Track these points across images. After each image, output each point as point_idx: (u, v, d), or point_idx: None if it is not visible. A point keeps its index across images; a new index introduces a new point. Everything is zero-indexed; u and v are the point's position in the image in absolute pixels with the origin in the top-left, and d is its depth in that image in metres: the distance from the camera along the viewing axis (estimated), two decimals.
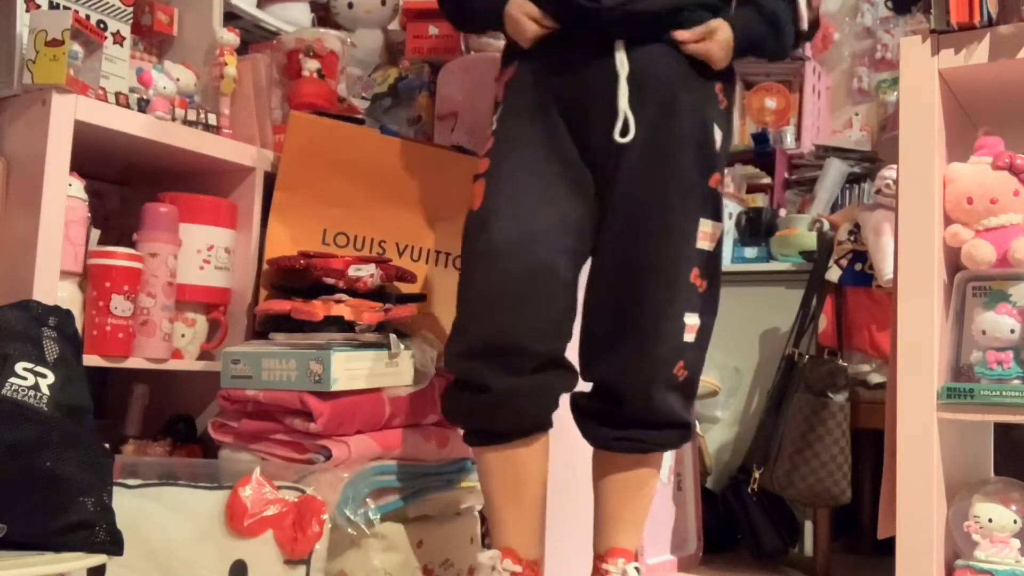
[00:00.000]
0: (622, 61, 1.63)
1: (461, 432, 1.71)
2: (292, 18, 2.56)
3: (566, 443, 1.76)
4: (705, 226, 1.66)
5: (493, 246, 1.59)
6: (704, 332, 1.68)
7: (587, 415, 1.71)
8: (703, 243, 1.66)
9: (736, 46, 1.67)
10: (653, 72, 1.64)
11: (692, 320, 1.65)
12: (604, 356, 1.67)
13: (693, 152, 1.65)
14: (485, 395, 1.58)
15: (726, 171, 3.28)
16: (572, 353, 1.69)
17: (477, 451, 1.67)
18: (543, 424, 1.66)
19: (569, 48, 1.66)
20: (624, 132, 1.62)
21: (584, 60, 1.65)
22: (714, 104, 1.70)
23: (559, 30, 1.66)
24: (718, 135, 1.69)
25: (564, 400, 1.69)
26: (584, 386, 1.72)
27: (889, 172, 2.42)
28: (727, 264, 3.08)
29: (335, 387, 1.70)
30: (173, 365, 1.90)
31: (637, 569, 1.69)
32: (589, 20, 1.63)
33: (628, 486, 1.72)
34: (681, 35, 1.65)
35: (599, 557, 1.73)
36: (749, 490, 2.54)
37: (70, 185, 1.71)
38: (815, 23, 1.79)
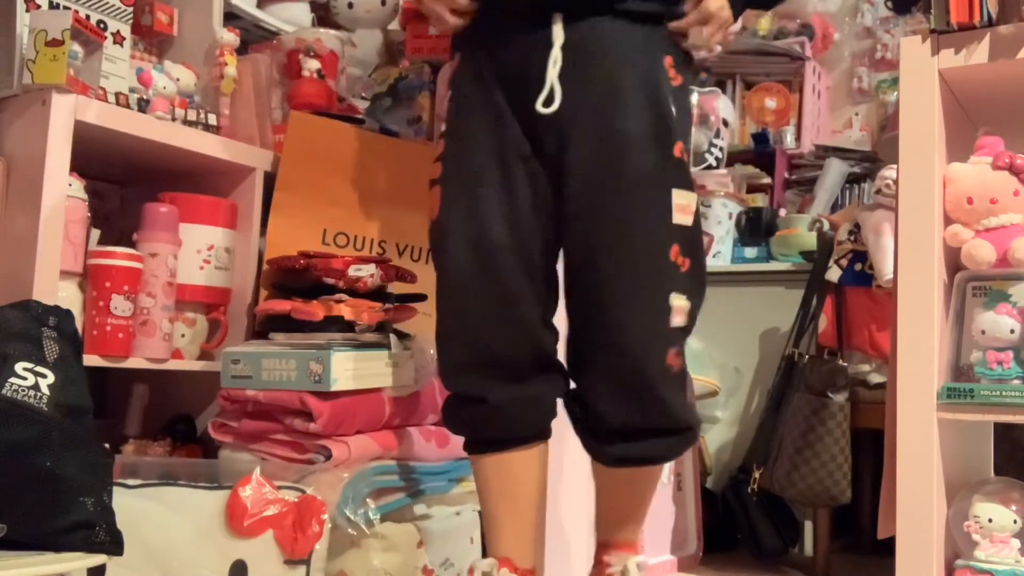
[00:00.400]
0: (557, 33, 1.54)
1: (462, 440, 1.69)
2: (292, 18, 2.56)
3: (563, 447, 1.75)
4: (679, 197, 1.53)
5: (458, 265, 1.56)
6: (693, 315, 1.56)
7: (587, 433, 1.62)
8: (680, 217, 1.53)
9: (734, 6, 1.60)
10: (595, 47, 1.55)
11: (680, 301, 1.52)
12: (589, 362, 1.57)
13: (649, 123, 1.54)
14: (482, 406, 1.57)
15: (726, 171, 3.30)
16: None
17: (474, 459, 1.65)
18: (542, 432, 1.64)
19: (506, 30, 1.58)
20: (548, 102, 1.53)
21: (522, 39, 1.57)
22: (665, 78, 1.58)
23: (494, 9, 1.59)
24: (672, 106, 1.57)
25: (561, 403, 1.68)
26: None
27: (889, 172, 2.42)
28: (727, 264, 3.08)
29: (335, 387, 1.70)
30: (173, 365, 1.90)
31: (639, 565, 1.66)
32: None
33: (629, 483, 1.67)
34: (675, 27, 1.59)
35: (601, 548, 1.70)
36: (749, 490, 2.54)
37: (70, 185, 1.71)
38: None
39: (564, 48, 1.54)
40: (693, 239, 1.56)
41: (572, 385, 1.64)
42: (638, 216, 1.52)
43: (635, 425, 1.54)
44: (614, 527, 1.69)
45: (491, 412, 1.57)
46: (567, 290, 1.61)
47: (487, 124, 1.59)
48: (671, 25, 1.60)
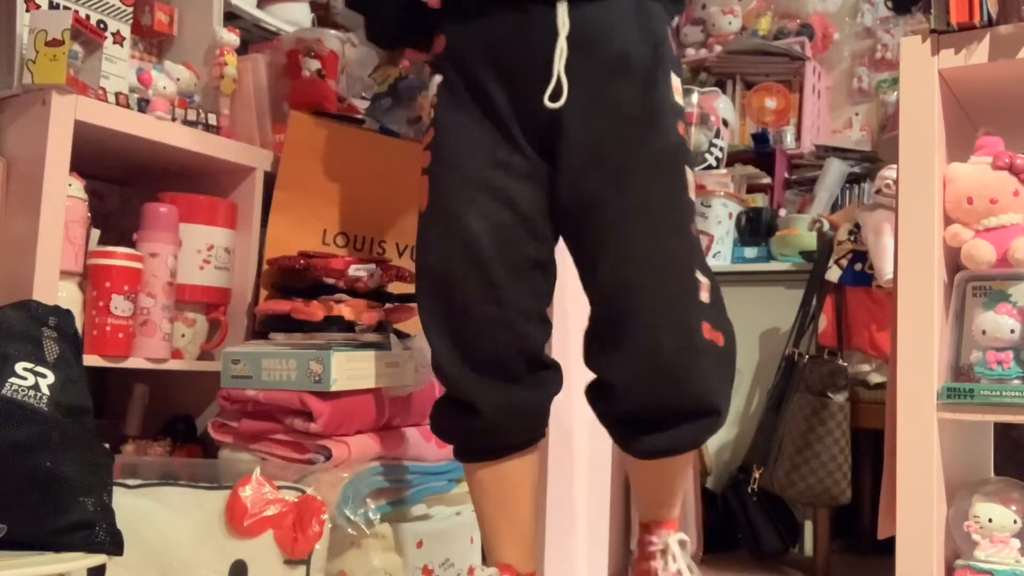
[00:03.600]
0: (563, 20, 1.48)
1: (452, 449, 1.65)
2: (292, 18, 2.56)
3: (567, 447, 1.76)
4: (691, 175, 1.53)
5: (439, 256, 1.51)
6: (716, 291, 1.52)
7: (616, 424, 1.57)
8: (693, 194, 1.53)
9: None
10: (601, 30, 1.50)
11: (704, 279, 1.49)
12: (616, 346, 1.49)
13: (659, 105, 1.51)
14: (472, 418, 1.53)
15: (726, 171, 3.30)
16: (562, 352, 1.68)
17: (468, 467, 1.62)
18: (535, 437, 1.61)
19: (500, 7, 1.51)
20: (555, 97, 1.47)
21: (518, 19, 1.49)
22: (669, 53, 1.55)
23: None
24: (676, 82, 1.55)
25: (565, 404, 1.67)
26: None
27: (889, 172, 2.42)
28: (727, 264, 3.08)
29: (335, 387, 1.70)
30: (173, 365, 1.90)
31: (680, 542, 1.65)
32: None
33: (660, 468, 1.62)
34: None
35: (643, 528, 1.68)
36: (749, 490, 2.54)
37: (70, 185, 1.71)
38: None
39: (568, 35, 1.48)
40: (694, 218, 1.55)
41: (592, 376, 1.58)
42: (659, 194, 1.49)
43: (667, 408, 1.48)
44: (653, 508, 1.67)
45: (481, 424, 1.53)
46: (585, 276, 1.55)
47: (478, 111, 1.53)
48: None
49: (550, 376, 1.60)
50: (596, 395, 1.59)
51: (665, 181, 1.50)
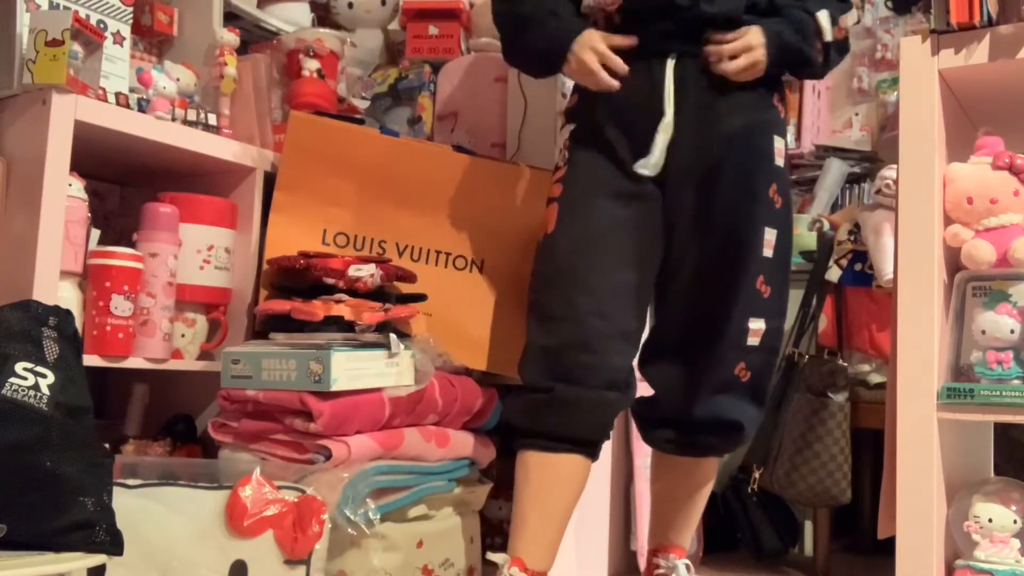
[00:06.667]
0: (669, 83, 1.67)
1: (517, 438, 1.73)
2: (292, 18, 2.55)
3: None
4: (769, 235, 1.71)
5: (568, 265, 1.67)
6: (770, 336, 1.72)
7: (645, 418, 1.80)
8: (767, 251, 1.71)
9: (769, 51, 1.66)
10: (704, 88, 1.68)
11: (757, 324, 1.70)
12: (666, 360, 1.74)
13: (755, 166, 1.70)
14: (548, 395, 1.64)
15: None
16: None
17: (523, 454, 1.69)
18: (596, 441, 1.70)
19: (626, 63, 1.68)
20: (649, 164, 1.68)
21: (636, 78, 1.68)
22: (773, 114, 1.74)
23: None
24: (779, 144, 1.73)
25: None
26: (644, 390, 1.79)
27: (889, 172, 2.42)
28: None
29: (335, 387, 1.70)
30: (173, 365, 1.90)
31: (687, 567, 1.80)
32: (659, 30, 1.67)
33: (684, 488, 1.81)
34: (714, 47, 1.66)
35: (653, 552, 1.84)
36: (749, 490, 2.54)
37: (70, 185, 1.71)
38: (843, 44, 1.77)
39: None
40: (776, 269, 1.75)
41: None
42: (734, 252, 1.70)
43: (694, 418, 1.73)
44: (667, 532, 1.84)
45: (556, 402, 1.64)
46: (659, 302, 1.78)
47: (603, 160, 1.71)
48: (709, 46, 1.66)
49: (626, 394, 1.72)
50: (638, 402, 1.80)
51: (738, 246, 1.71)
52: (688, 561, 1.80)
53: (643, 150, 1.68)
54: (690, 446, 1.77)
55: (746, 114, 1.70)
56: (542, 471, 1.66)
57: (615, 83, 1.66)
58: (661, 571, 1.79)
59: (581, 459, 1.68)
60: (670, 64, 1.67)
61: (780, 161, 1.74)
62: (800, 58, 1.71)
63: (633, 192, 1.70)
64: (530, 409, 1.68)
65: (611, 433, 1.74)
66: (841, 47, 1.77)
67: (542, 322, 1.69)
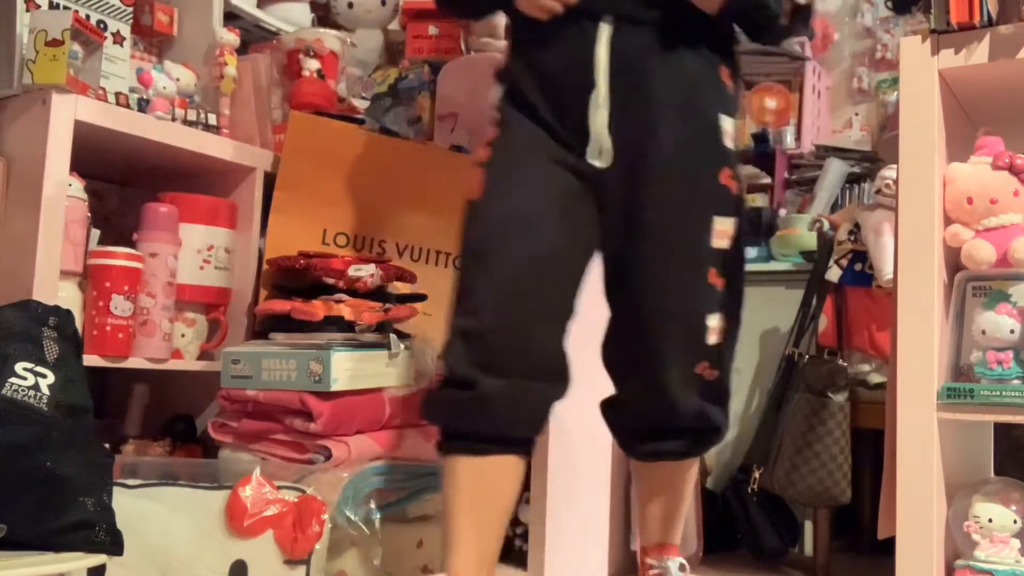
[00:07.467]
0: (603, 50, 1.50)
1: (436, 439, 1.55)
2: (292, 18, 2.56)
3: (568, 447, 1.75)
4: (722, 224, 1.57)
5: (493, 236, 1.49)
6: (729, 333, 1.60)
7: (617, 425, 1.66)
8: (719, 241, 1.57)
9: None
10: (642, 62, 1.52)
11: (714, 322, 1.56)
12: (626, 359, 1.60)
13: (699, 148, 1.57)
14: (471, 391, 1.42)
15: None
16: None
17: (450, 460, 1.49)
18: (528, 439, 1.50)
19: (552, 29, 1.53)
20: (602, 154, 1.53)
21: (565, 45, 1.53)
22: (721, 90, 1.62)
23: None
24: (727, 124, 1.61)
25: (566, 405, 1.66)
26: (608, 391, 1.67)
27: (889, 172, 2.41)
28: None
29: (335, 387, 1.70)
30: (173, 365, 1.90)
31: (680, 566, 1.69)
32: None
33: (665, 488, 1.70)
34: None
35: (643, 551, 1.73)
36: (749, 490, 2.54)
37: (70, 185, 1.71)
38: (807, 7, 1.64)
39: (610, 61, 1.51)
40: (731, 262, 1.60)
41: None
42: (677, 242, 1.56)
43: (667, 424, 1.59)
44: (654, 531, 1.72)
45: (479, 399, 1.43)
46: (609, 296, 1.61)
47: (534, 125, 1.56)
48: None
49: (560, 382, 1.53)
50: (608, 407, 1.66)
51: (680, 235, 1.56)
52: (683, 560, 1.74)
53: (574, 123, 1.53)
54: (667, 453, 1.63)
55: (691, 89, 1.57)
56: (473, 479, 1.47)
57: (558, 6, 1.50)
58: (654, 572, 1.73)
59: (515, 459, 1.48)
60: (604, 29, 1.52)
61: (729, 143, 1.62)
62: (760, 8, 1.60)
63: (564, 161, 1.54)
64: (454, 407, 1.46)
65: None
66: (807, 17, 1.66)
67: (463, 300, 1.48)
